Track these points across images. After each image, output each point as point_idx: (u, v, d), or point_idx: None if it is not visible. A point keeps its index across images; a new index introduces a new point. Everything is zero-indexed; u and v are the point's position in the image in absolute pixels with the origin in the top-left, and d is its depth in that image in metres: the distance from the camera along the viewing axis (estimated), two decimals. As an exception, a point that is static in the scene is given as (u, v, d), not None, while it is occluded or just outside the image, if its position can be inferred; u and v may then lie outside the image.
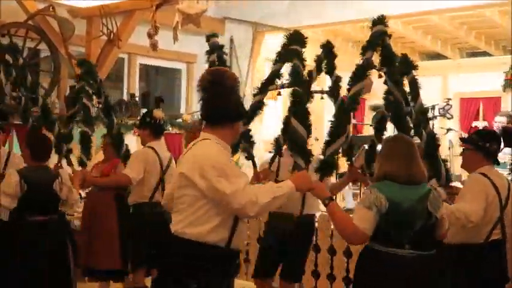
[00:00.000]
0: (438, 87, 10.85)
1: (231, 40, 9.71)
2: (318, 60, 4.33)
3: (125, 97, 8.93)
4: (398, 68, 4.04)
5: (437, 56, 10.75)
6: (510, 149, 5.38)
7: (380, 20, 3.92)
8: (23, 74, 5.29)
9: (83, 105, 5.63)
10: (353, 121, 9.53)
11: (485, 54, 10.37)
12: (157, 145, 5.49)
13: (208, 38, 4.74)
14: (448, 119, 9.97)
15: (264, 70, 9.74)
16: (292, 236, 4.85)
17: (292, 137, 3.70)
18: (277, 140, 4.57)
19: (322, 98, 4.82)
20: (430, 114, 8.31)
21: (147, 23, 7.20)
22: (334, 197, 3.44)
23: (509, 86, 9.60)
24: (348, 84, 3.84)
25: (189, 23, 7.39)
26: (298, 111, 3.66)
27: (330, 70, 4.36)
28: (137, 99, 8.92)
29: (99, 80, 5.77)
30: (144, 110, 8.70)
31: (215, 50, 4.65)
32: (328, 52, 4.35)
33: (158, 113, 5.42)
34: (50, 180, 4.54)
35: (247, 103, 4.94)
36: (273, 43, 9.48)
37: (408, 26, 9.54)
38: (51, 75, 7.81)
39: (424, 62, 11.20)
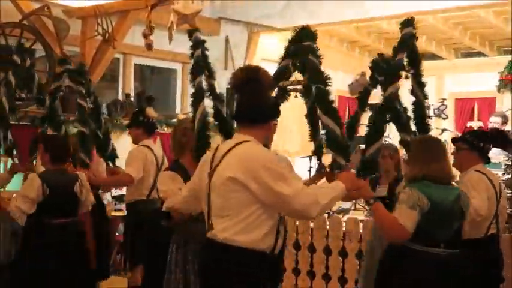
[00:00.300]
0: (433, 87, 10.85)
1: (227, 40, 9.71)
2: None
3: (120, 97, 8.91)
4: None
5: (432, 56, 10.76)
6: (499, 149, 5.46)
7: (409, 22, 4.00)
8: (30, 74, 5.26)
9: (78, 105, 5.61)
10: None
11: (480, 54, 10.40)
12: (151, 143, 5.54)
13: (191, 33, 4.64)
14: (443, 119, 9.99)
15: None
16: None
17: (328, 136, 3.64)
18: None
19: (296, 96, 4.77)
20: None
21: (142, 23, 7.18)
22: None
23: (503, 86, 9.64)
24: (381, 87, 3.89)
25: (184, 23, 7.36)
26: (327, 108, 3.61)
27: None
28: (132, 99, 8.91)
29: (88, 79, 5.75)
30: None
31: (199, 44, 4.56)
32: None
33: (151, 112, 5.43)
34: (71, 182, 4.55)
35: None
36: (269, 43, 9.50)
37: (403, 26, 9.56)
38: (46, 75, 7.79)
39: (419, 62, 11.22)
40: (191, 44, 4.54)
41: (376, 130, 3.71)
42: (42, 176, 4.42)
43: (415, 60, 3.98)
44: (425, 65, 10.37)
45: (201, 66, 4.37)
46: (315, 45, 3.75)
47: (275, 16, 9.01)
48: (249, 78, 2.99)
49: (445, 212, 3.24)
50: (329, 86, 3.64)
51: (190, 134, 3.90)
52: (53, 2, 7.59)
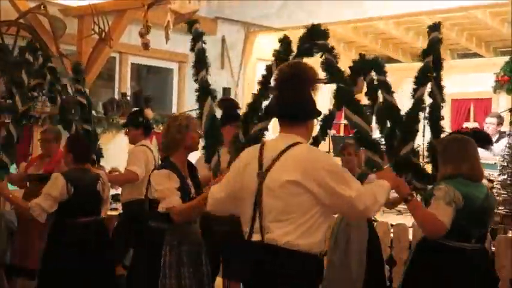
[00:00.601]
0: (429, 88, 10.88)
1: (223, 40, 9.71)
2: (277, 55, 4.25)
3: (116, 96, 8.90)
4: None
5: (429, 57, 10.78)
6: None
7: (436, 27, 4.11)
8: (42, 73, 5.25)
9: (79, 104, 5.62)
10: (344, 121, 9.55)
11: (476, 55, 10.41)
12: (149, 143, 5.57)
13: (191, 24, 4.52)
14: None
15: (255, 70, 9.75)
16: None
17: (360, 135, 3.62)
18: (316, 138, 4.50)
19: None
20: (421, 115, 8.36)
21: (139, 22, 7.18)
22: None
23: (499, 87, 9.66)
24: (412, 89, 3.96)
25: (180, 22, 7.37)
26: (355, 107, 3.58)
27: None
28: (129, 98, 8.90)
29: (82, 78, 5.75)
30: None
31: (199, 37, 4.47)
32: (285, 47, 4.25)
33: (149, 112, 5.46)
34: (94, 181, 4.57)
35: (241, 103, 4.91)
36: (265, 43, 9.50)
37: (400, 27, 9.57)
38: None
39: (415, 63, 11.22)
40: (191, 36, 4.46)
41: (409, 130, 3.81)
42: (66, 175, 4.41)
43: (438, 64, 4.06)
44: (422, 65, 10.10)
45: (204, 60, 4.35)
46: (328, 44, 3.74)
47: (272, 16, 9.02)
48: (295, 74, 2.88)
49: (477, 209, 3.36)
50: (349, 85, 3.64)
51: (185, 132, 3.74)
52: (50, 0, 7.58)
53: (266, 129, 4.14)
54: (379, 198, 2.87)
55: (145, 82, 9.82)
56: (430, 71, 3.96)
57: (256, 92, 4.29)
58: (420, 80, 3.90)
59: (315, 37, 3.81)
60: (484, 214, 3.43)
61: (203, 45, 4.44)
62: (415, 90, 3.90)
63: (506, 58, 9.59)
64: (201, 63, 4.34)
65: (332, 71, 3.73)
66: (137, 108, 6.52)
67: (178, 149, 3.76)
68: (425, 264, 3.45)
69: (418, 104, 3.86)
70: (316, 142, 4.48)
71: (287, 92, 2.87)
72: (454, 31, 9.52)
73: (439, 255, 3.37)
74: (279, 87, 2.92)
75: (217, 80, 9.85)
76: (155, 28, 7.05)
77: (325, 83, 3.84)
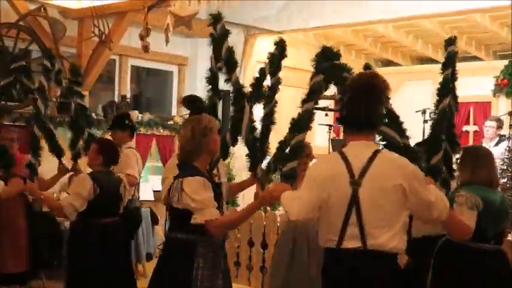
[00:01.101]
0: (429, 91, 10.87)
1: (223, 42, 9.71)
2: (272, 58, 4.22)
3: (116, 99, 8.91)
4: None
5: (428, 61, 10.79)
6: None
7: (452, 41, 4.30)
8: (58, 79, 5.28)
9: (80, 106, 5.62)
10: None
11: (475, 59, 10.42)
12: (134, 145, 5.73)
13: (216, 21, 4.24)
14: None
15: (255, 73, 9.74)
16: None
17: (389, 145, 3.63)
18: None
19: (326, 114, 4.73)
20: (421, 118, 8.38)
21: (139, 24, 7.19)
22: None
23: (499, 90, 9.68)
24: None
25: (180, 25, 7.39)
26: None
27: (274, 71, 4.21)
28: (128, 100, 8.91)
29: (80, 80, 5.76)
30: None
31: (226, 35, 4.24)
32: (280, 51, 4.19)
33: (134, 115, 5.51)
34: (117, 184, 4.71)
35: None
36: (265, 46, 9.50)
37: (399, 30, 9.58)
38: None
39: (415, 66, 11.25)
40: (218, 34, 4.22)
41: (437, 140, 3.96)
42: (93, 177, 4.55)
43: (453, 76, 4.21)
44: (421, 69, 10.38)
45: (234, 60, 4.21)
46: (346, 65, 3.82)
47: (272, 19, 9.02)
48: (374, 85, 2.95)
49: (495, 212, 3.64)
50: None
51: (209, 135, 3.49)
52: (50, 2, 7.58)
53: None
54: (447, 204, 3.00)
55: (145, 85, 9.83)
56: (452, 83, 4.15)
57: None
58: (442, 92, 4.09)
59: (329, 58, 3.86)
60: (500, 216, 3.69)
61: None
62: (438, 102, 4.10)
63: (506, 61, 9.63)
64: (231, 63, 4.19)
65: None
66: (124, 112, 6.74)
67: (202, 154, 3.48)
68: (448, 266, 3.70)
69: (443, 114, 4.04)
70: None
71: (366, 102, 2.92)
72: (453, 34, 9.53)
73: (462, 257, 3.64)
74: (356, 95, 2.95)
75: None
76: (155, 31, 7.06)
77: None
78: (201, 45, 9.93)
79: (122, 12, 7.67)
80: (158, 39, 7.47)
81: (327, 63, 3.81)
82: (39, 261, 5.63)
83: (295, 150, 3.72)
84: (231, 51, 4.24)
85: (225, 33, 4.26)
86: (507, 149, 7.14)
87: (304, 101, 3.78)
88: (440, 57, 10.70)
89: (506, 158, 6.17)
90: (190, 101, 4.97)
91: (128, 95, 9.04)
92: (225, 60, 4.20)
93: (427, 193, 2.87)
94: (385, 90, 2.96)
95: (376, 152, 2.88)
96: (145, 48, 7.05)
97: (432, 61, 10.67)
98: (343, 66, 3.77)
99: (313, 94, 3.84)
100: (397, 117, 3.87)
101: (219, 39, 4.25)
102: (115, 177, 4.74)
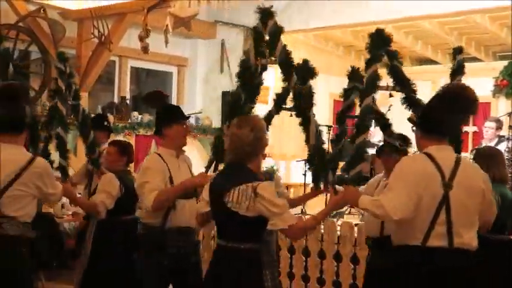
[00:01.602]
0: (428, 92, 10.88)
1: (222, 44, 9.73)
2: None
3: (116, 100, 8.91)
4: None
5: (428, 61, 10.80)
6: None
7: (460, 50, 4.39)
8: (69, 83, 5.30)
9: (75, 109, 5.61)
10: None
11: (475, 60, 10.42)
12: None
13: (267, 17, 3.98)
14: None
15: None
16: None
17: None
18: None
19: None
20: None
21: (139, 25, 7.20)
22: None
23: (498, 91, 9.68)
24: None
25: (180, 26, 7.40)
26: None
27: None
28: (128, 101, 8.91)
29: (69, 68, 5.74)
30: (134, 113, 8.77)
31: (280, 32, 3.97)
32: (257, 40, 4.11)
33: (111, 117, 5.51)
34: (133, 182, 4.75)
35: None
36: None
37: (399, 31, 9.58)
38: (42, 77, 7.78)
39: (414, 67, 11.25)
40: (269, 30, 3.99)
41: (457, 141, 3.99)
42: (118, 176, 4.72)
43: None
44: (421, 69, 10.37)
45: (291, 62, 3.99)
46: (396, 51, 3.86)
47: (271, 20, 9.02)
48: (465, 97, 3.23)
49: (510, 204, 3.92)
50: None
51: (265, 135, 3.28)
52: (50, 4, 7.59)
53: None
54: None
55: (144, 85, 9.83)
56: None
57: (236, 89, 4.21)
58: None
59: (384, 42, 3.85)
60: None
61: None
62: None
63: (505, 62, 9.62)
64: (288, 65, 3.94)
65: (400, 80, 3.82)
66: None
67: (258, 155, 3.27)
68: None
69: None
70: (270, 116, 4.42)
71: (456, 112, 3.15)
72: (453, 35, 9.53)
73: (484, 249, 3.68)
74: (446, 105, 3.13)
75: (216, 84, 9.88)
76: (155, 32, 7.07)
77: (397, 90, 3.92)
78: (201, 46, 9.97)
79: (122, 14, 7.67)
80: (158, 40, 7.48)
81: (383, 49, 3.77)
82: (38, 262, 5.63)
83: (360, 152, 3.71)
84: (286, 52, 3.95)
85: (279, 31, 3.97)
86: (506, 149, 7.14)
87: (362, 95, 3.81)
88: (440, 58, 10.77)
89: (506, 159, 6.15)
90: (156, 99, 5.05)
91: (128, 96, 9.04)
92: (279, 61, 3.96)
93: (490, 194, 3.20)
94: (474, 102, 3.25)
95: (459, 157, 3.14)
96: (145, 49, 7.06)
97: (432, 62, 10.68)
98: (395, 54, 3.75)
99: (372, 87, 3.77)
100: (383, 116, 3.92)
101: (270, 35, 3.96)
102: (131, 176, 4.86)
